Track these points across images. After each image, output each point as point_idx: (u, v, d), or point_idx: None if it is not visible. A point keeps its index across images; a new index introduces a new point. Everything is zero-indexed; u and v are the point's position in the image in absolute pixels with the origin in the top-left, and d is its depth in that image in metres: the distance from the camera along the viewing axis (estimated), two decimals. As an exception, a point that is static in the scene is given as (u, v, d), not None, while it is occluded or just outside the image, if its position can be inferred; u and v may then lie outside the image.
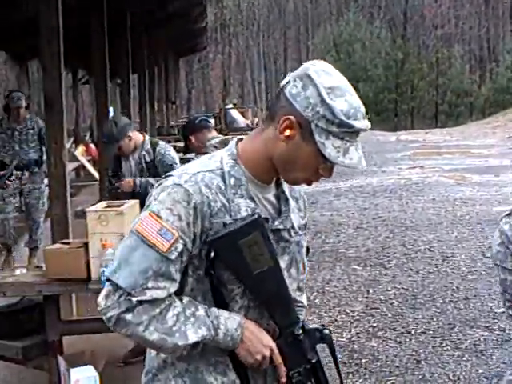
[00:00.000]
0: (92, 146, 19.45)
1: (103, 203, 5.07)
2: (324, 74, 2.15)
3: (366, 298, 7.58)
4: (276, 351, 2.23)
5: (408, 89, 54.13)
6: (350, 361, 5.97)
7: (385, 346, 6.29)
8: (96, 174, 13.72)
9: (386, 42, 55.90)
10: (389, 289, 7.83)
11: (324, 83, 2.12)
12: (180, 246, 2.11)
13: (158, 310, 2.11)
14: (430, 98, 54.59)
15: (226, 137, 5.96)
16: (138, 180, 6.23)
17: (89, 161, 18.51)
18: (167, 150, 6.36)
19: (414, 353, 6.12)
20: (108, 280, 2.13)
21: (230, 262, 2.18)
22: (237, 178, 2.20)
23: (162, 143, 6.49)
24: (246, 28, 64.24)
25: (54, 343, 4.87)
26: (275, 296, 2.27)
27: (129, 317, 2.10)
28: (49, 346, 4.88)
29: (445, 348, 6.15)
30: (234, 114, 22.60)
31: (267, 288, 2.24)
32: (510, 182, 14.81)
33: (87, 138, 21.39)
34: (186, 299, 2.16)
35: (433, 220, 11.09)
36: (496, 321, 6.71)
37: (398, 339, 6.42)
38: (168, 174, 2.24)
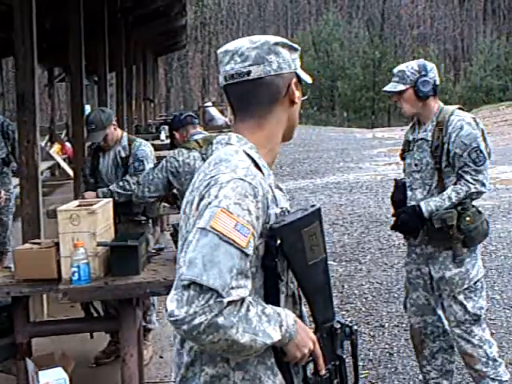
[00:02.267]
0: (67, 144, 19.33)
1: (75, 202, 4.97)
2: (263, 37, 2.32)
3: (341, 293, 7.63)
4: (317, 345, 2.22)
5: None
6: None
7: (359, 339, 6.33)
8: (71, 173, 13.66)
9: (363, 41, 56.04)
10: (363, 283, 7.90)
11: (276, 39, 2.31)
12: (253, 241, 2.05)
13: (243, 311, 2.01)
14: (407, 97, 54.64)
15: (210, 134, 5.94)
16: (100, 192, 6.18)
17: (64, 159, 18.38)
18: (141, 144, 6.36)
19: (387, 346, 6.17)
20: (187, 284, 1.97)
21: (292, 250, 2.15)
22: (267, 169, 2.26)
23: (139, 140, 6.48)
24: (226, 27, 64.12)
25: (22, 345, 4.67)
26: (322, 288, 2.26)
27: (221, 320, 1.96)
28: (17, 348, 4.68)
29: (417, 340, 6.21)
30: (213, 111, 22.54)
31: (317, 279, 2.24)
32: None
33: (63, 136, 21.24)
34: (251, 297, 2.06)
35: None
36: (467, 313, 6.78)
37: (371, 333, 6.47)
38: (211, 171, 2.15)
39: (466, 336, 4.64)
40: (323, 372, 2.25)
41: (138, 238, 4.70)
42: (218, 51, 2.33)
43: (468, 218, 4.53)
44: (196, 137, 5.66)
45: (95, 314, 5.08)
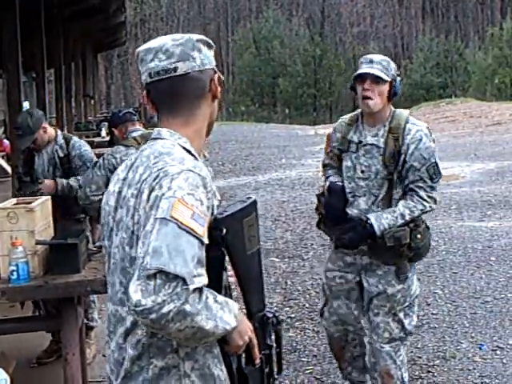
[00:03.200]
0: (5, 141, 19.09)
1: (13, 200, 4.90)
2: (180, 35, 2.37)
3: (285, 289, 7.62)
4: (253, 333, 2.26)
5: (326, 84, 54.65)
6: (268, 351, 5.99)
7: (303, 336, 6.34)
8: (9, 169, 13.47)
9: (304, 38, 56.31)
10: (306, 280, 7.90)
11: (198, 36, 2.36)
12: (207, 231, 2.09)
13: (204, 298, 2.04)
14: (347, 93, 55.16)
15: (148, 131, 5.91)
16: (60, 183, 6.07)
17: (2, 156, 18.17)
18: (83, 145, 6.26)
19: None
20: (152, 273, 1.98)
21: (234, 240, 2.19)
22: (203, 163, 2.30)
23: (75, 138, 6.38)
24: (166, 23, 63.88)
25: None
26: (257, 278, 2.30)
27: (188, 307, 2.00)
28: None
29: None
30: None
31: (253, 269, 2.28)
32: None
33: (0, 133, 20.96)
34: None
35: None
36: (410, 308, 6.82)
37: (315, 329, 6.47)
38: (155, 164, 2.18)
39: (393, 355, 4.45)
40: (258, 361, 2.29)
41: (78, 236, 4.64)
42: (139, 49, 2.35)
43: (419, 236, 4.33)
44: (134, 134, 5.64)
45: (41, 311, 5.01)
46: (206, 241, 2.07)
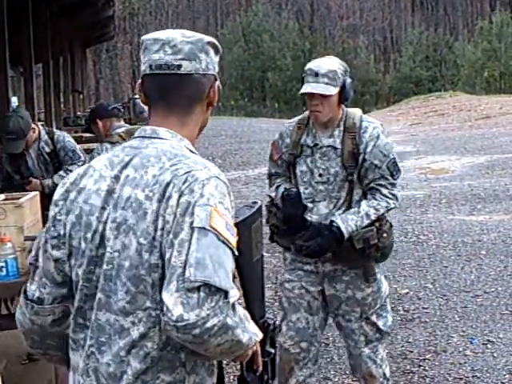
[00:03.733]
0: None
1: (1, 196, 4.88)
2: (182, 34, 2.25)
3: (275, 283, 7.60)
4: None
5: (316, 78, 54.60)
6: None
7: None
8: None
9: (293, 32, 56.24)
10: (296, 274, 7.88)
11: (209, 38, 2.26)
12: None
13: (238, 310, 1.99)
14: (337, 88, 55.22)
15: (133, 127, 5.92)
16: (46, 186, 6.06)
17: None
18: (65, 137, 6.29)
19: (322, 336, 6.16)
20: (197, 286, 1.91)
21: (244, 246, 2.12)
22: None
23: (57, 132, 6.40)
24: (155, 18, 63.75)
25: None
26: (259, 285, 2.25)
27: (229, 321, 1.94)
28: None
29: (351, 330, 6.22)
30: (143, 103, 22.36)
31: (258, 275, 2.23)
32: (412, 168, 15.10)
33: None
34: None
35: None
36: (400, 302, 6.84)
37: (305, 323, 6.45)
38: (179, 166, 2.08)
39: (373, 356, 4.34)
40: (260, 368, 2.22)
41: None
42: (145, 37, 2.24)
43: (385, 235, 4.19)
44: (118, 130, 5.63)
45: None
46: (236, 252, 2.02)
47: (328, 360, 5.73)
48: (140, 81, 2.23)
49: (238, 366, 2.39)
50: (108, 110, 5.82)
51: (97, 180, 2.15)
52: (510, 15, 48.46)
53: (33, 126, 6.16)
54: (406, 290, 7.14)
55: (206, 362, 2.12)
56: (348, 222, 4.12)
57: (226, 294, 1.93)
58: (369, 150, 4.17)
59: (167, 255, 2.00)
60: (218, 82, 2.27)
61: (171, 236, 2.00)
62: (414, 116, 27.51)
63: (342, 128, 4.22)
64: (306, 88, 4.18)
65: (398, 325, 6.26)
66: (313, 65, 4.32)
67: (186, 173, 2.05)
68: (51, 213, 2.23)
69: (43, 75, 15.57)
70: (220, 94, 2.30)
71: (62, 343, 2.28)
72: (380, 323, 4.31)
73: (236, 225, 2.08)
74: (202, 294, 1.91)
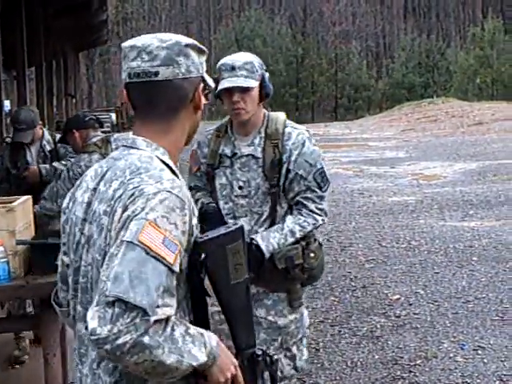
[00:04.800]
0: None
1: None
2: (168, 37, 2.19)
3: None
4: (239, 370, 2.09)
5: (308, 83, 54.75)
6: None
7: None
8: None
9: (286, 37, 56.36)
10: (288, 279, 7.89)
11: (187, 40, 2.18)
12: (179, 258, 1.94)
13: (168, 330, 1.88)
14: (329, 93, 55.36)
15: (107, 135, 5.97)
16: (43, 168, 6.18)
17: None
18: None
19: (312, 342, 6.17)
20: (111, 301, 1.84)
21: (215, 266, 2.04)
22: (181, 176, 2.14)
23: (57, 134, 6.54)
24: (148, 22, 63.81)
25: None
26: (244, 311, 2.15)
27: (146, 340, 1.83)
28: None
29: (343, 336, 6.23)
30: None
31: (239, 301, 2.12)
32: (404, 173, 15.13)
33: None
34: (174, 317, 1.93)
35: (331, 211, 11.21)
36: (392, 307, 6.83)
37: (297, 328, 6.46)
38: (130, 181, 2.02)
39: None
40: None
41: (59, 236, 4.60)
42: (124, 45, 2.19)
43: (312, 255, 3.77)
44: (94, 139, 5.67)
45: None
46: (177, 269, 1.92)
47: (318, 366, 5.72)
48: (124, 90, 2.19)
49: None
50: (84, 120, 5.85)
51: (84, 191, 2.16)
52: (502, 22, 48.63)
53: (40, 123, 6.36)
54: (397, 296, 7.15)
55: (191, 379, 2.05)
56: (269, 240, 3.72)
57: (144, 311, 1.84)
58: (293, 159, 3.75)
59: None
60: (202, 85, 2.18)
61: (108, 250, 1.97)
62: (407, 122, 27.57)
63: (263, 135, 3.80)
64: (224, 84, 3.70)
65: (388, 330, 6.27)
66: (227, 59, 3.81)
67: (134, 187, 1.99)
68: (61, 219, 2.26)
69: (36, 79, 15.56)
70: (209, 95, 2.26)
71: None
72: (298, 357, 3.93)
73: (202, 243, 2.02)
74: (116, 309, 1.84)
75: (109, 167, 2.12)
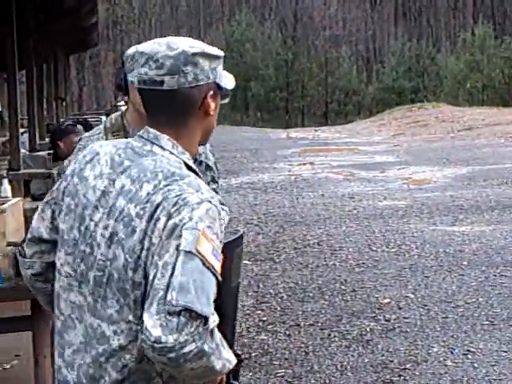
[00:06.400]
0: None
1: None
2: (183, 42, 2.20)
3: (256, 292, 7.62)
4: None
5: (298, 88, 54.81)
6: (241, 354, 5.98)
7: (274, 339, 6.34)
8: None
9: (276, 42, 56.38)
10: (279, 283, 7.90)
11: (195, 49, 2.18)
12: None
13: (216, 337, 1.97)
14: (319, 97, 55.43)
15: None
16: None
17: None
18: None
19: (302, 345, 6.18)
20: (178, 310, 1.90)
21: (225, 269, 2.07)
22: None
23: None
24: (138, 26, 63.70)
25: None
26: (232, 314, 2.23)
27: (206, 347, 1.92)
28: None
29: (332, 339, 6.24)
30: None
31: (231, 304, 2.21)
32: (394, 178, 15.16)
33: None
34: None
35: (322, 215, 11.25)
36: (381, 311, 6.85)
37: (287, 332, 6.47)
38: (168, 187, 2.05)
39: None
40: None
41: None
42: (133, 50, 2.20)
43: None
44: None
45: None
46: (220, 278, 2.00)
47: (308, 369, 5.73)
48: (137, 92, 2.21)
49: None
50: (63, 129, 5.89)
51: (96, 176, 2.15)
52: (492, 27, 48.79)
53: None
54: (387, 300, 7.16)
55: None
56: None
57: (206, 320, 1.92)
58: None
59: (150, 276, 1.99)
60: (212, 91, 2.19)
61: (156, 258, 2.00)
62: (397, 126, 27.61)
63: None
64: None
65: (378, 334, 6.28)
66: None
67: (176, 196, 2.03)
68: (62, 184, 2.25)
69: (27, 82, 15.51)
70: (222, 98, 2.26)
71: (50, 300, 2.32)
72: None
73: (223, 247, 2.06)
74: (182, 318, 1.90)
75: (131, 161, 2.14)
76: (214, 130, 2.29)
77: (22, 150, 11.14)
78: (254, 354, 6.00)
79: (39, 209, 2.31)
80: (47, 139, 15.87)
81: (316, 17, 60.77)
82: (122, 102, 26.40)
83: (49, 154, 9.09)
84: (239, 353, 2.27)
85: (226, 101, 2.29)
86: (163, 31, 61.85)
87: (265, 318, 6.83)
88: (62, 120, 20.93)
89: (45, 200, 2.32)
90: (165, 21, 64.89)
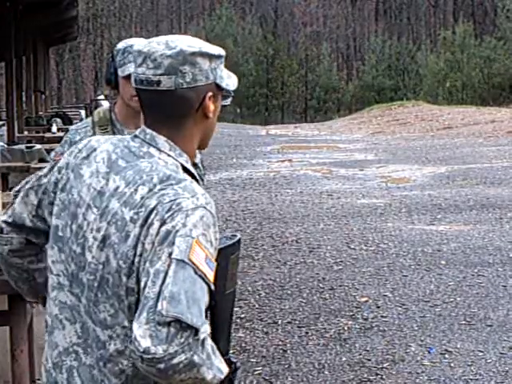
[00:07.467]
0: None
1: None
2: (181, 40, 2.16)
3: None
4: None
5: (278, 84, 54.81)
6: (218, 351, 5.97)
7: (252, 336, 6.33)
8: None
9: (257, 37, 56.38)
10: (256, 280, 7.89)
11: (194, 49, 2.13)
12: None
13: (207, 347, 1.93)
14: (299, 94, 55.48)
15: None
16: None
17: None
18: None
19: (280, 343, 6.18)
20: (168, 321, 1.86)
21: (219, 276, 2.04)
22: None
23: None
24: (119, 19, 63.51)
25: None
26: (228, 320, 2.19)
27: (197, 358, 1.88)
28: None
29: (310, 337, 6.24)
30: (106, 105, 22.24)
31: (227, 310, 2.17)
32: (373, 176, 15.19)
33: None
34: None
35: (300, 212, 11.25)
36: (359, 310, 6.86)
37: (265, 329, 6.47)
38: (163, 191, 2.00)
39: None
40: None
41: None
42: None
43: None
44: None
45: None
46: (213, 286, 1.96)
47: (285, 367, 5.73)
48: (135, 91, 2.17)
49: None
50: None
51: (92, 173, 2.11)
52: (472, 27, 48.99)
53: None
54: (365, 298, 7.17)
55: None
56: None
57: (196, 330, 1.88)
58: None
59: (142, 283, 1.96)
60: (210, 93, 2.13)
61: (147, 264, 1.96)
62: (376, 124, 27.66)
63: None
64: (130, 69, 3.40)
65: (356, 333, 6.29)
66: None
67: (171, 201, 1.99)
68: (54, 175, 2.19)
69: (6, 74, 15.42)
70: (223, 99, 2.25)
71: (27, 276, 2.32)
72: None
73: (217, 253, 2.04)
74: (172, 329, 1.86)
75: (127, 161, 2.09)
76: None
77: (0, 143, 11.08)
78: (231, 352, 5.98)
79: (22, 192, 2.25)
80: (26, 132, 15.84)
81: (296, 13, 60.86)
82: (102, 96, 26.35)
83: (27, 147, 9.03)
84: (234, 360, 2.23)
85: (228, 102, 2.25)
86: (144, 25, 61.72)
87: (243, 315, 6.82)
88: (40, 113, 20.83)
89: (28, 185, 2.25)
90: (145, 14, 64.73)
